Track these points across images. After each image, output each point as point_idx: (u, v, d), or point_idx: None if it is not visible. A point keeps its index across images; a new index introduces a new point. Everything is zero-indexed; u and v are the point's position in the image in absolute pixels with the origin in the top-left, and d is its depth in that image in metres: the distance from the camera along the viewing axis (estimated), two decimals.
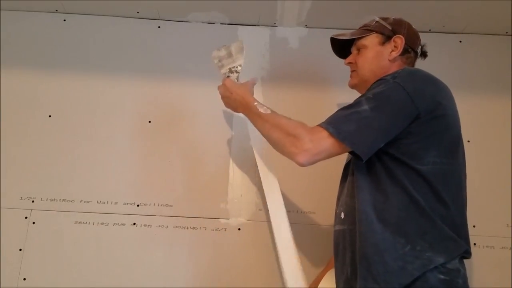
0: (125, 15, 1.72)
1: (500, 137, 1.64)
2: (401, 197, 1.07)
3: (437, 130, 1.10)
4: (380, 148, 1.10)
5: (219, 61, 1.42)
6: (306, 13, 1.66)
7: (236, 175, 1.58)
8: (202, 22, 1.73)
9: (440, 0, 1.56)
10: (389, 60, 1.28)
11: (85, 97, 1.64)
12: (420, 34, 1.72)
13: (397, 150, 1.10)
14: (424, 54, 1.35)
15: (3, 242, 1.49)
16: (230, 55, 1.41)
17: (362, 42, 1.32)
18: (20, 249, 1.49)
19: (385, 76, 1.16)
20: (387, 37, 1.29)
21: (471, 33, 1.74)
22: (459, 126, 1.17)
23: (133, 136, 1.61)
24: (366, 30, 1.33)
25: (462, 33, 1.74)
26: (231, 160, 1.59)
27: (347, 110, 1.11)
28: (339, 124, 1.09)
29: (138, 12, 1.70)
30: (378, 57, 1.29)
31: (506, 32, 1.73)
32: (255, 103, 1.25)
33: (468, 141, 1.62)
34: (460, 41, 1.74)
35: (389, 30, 1.30)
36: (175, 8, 1.67)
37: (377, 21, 1.32)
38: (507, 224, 1.55)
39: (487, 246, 1.54)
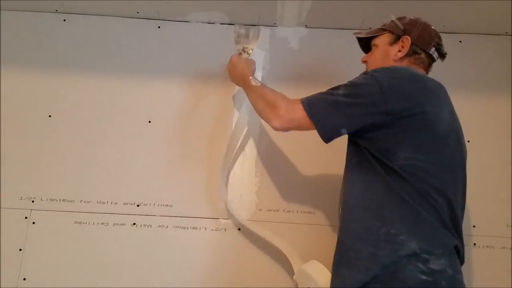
0: (125, 15, 1.72)
1: (500, 137, 1.64)
2: (382, 186, 1.11)
3: (411, 128, 1.11)
4: (361, 144, 1.17)
5: (237, 36, 1.57)
6: (306, 13, 1.66)
7: (236, 175, 1.58)
8: (202, 22, 1.73)
9: (440, 0, 1.56)
10: (394, 61, 1.28)
11: (85, 97, 1.64)
12: None
13: (372, 147, 1.14)
14: (442, 56, 1.32)
15: (3, 242, 1.49)
16: (247, 36, 1.56)
17: (375, 41, 1.34)
18: (20, 249, 1.49)
19: (372, 69, 1.20)
20: (397, 37, 1.29)
21: (471, 33, 1.74)
22: (448, 125, 1.15)
23: (133, 136, 1.61)
24: (381, 29, 1.33)
25: (462, 33, 1.74)
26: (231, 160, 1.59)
27: (326, 91, 1.20)
28: (313, 101, 1.18)
29: (138, 12, 1.70)
30: (385, 57, 1.30)
31: (506, 32, 1.73)
32: (250, 77, 1.37)
33: (468, 141, 1.62)
34: (460, 41, 1.74)
35: (400, 30, 1.29)
36: (175, 8, 1.67)
37: (392, 21, 1.32)
38: (507, 224, 1.55)
39: (487, 246, 1.54)
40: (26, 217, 1.52)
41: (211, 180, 1.57)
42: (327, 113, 1.16)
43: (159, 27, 1.73)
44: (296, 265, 1.38)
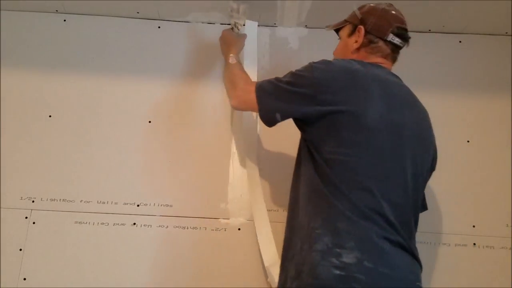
0: (125, 15, 1.72)
1: (500, 137, 1.64)
2: (310, 180, 1.13)
3: (335, 121, 1.11)
4: (303, 137, 1.21)
5: (231, 11, 1.57)
6: (306, 13, 1.66)
7: (236, 175, 1.58)
8: (202, 22, 1.73)
9: (440, 0, 1.56)
10: (352, 52, 1.27)
11: (85, 97, 1.64)
12: (420, 34, 1.74)
13: (308, 140, 1.17)
14: (405, 39, 1.27)
15: (3, 242, 1.49)
16: (238, 11, 1.56)
17: (340, 34, 1.35)
18: (20, 249, 1.49)
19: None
20: (354, 28, 1.28)
21: (471, 33, 1.74)
22: (381, 119, 1.11)
23: (133, 136, 1.61)
24: (344, 20, 1.33)
25: (462, 33, 1.74)
26: (231, 160, 1.59)
27: (276, 77, 1.23)
28: (262, 85, 1.23)
29: (138, 12, 1.70)
30: (344, 49, 1.31)
31: (506, 32, 1.73)
32: (230, 55, 1.46)
33: (468, 141, 1.64)
34: (460, 41, 1.74)
35: (358, 20, 1.28)
36: (175, 8, 1.67)
37: (354, 11, 1.31)
38: (507, 224, 1.55)
39: (487, 246, 1.54)
40: (26, 217, 1.52)
41: (211, 180, 1.57)
42: (268, 97, 1.21)
43: (159, 27, 1.73)
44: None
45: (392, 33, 1.24)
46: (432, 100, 1.66)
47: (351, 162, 1.09)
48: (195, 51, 1.70)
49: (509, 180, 1.59)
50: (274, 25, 1.73)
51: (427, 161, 1.22)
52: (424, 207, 1.33)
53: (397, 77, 1.26)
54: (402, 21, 1.26)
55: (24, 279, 1.47)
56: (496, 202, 1.58)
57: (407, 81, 1.61)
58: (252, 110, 1.28)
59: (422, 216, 1.55)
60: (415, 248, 1.15)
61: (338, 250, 1.01)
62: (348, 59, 1.22)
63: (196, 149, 1.60)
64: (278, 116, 1.20)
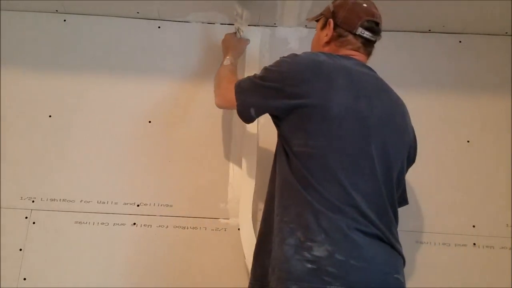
0: (125, 15, 1.72)
1: (500, 137, 1.64)
2: (282, 174, 1.13)
3: (302, 114, 1.11)
4: (278, 132, 1.20)
5: (236, 15, 1.57)
6: (306, 13, 1.66)
7: (236, 175, 1.58)
8: (202, 22, 1.73)
9: (440, 0, 1.56)
10: (323, 46, 1.27)
11: (85, 97, 1.64)
12: (420, 34, 1.74)
13: (281, 135, 1.18)
14: (375, 33, 1.24)
15: (3, 242, 1.49)
16: (241, 17, 1.56)
17: (316, 27, 1.34)
18: (20, 249, 1.49)
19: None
20: (326, 21, 1.28)
21: (471, 33, 1.74)
22: (346, 110, 1.10)
23: (133, 136, 1.61)
24: (320, 14, 1.32)
25: (462, 33, 1.74)
26: (231, 160, 1.59)
27: (253, 74, 1.24)
28: (241, 82, 1.25)
29: (138, 12, 1.70)
30: (317, 42, 1.31)
31: (506, 32, 1.73)
32: (227, 57, 1.48)
33: (468, 141, 1.64)
34: (460, 41, 1.74)
35: (330, 13, 1.27)
36: (175, 8, 1.67)
37: (329, 4, 1.30)
38: (507, 224, 1.55)
39: (487, 246, 1.54)
40: (26, 217, 1.52)
41: (211, 180, 1.57)
42: (244, 93, 1.22)
43: (159, 27, 1.73)
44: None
45: (362, 26, 1.22)
46: (432, 100, 1.67)
47: (319, 154, 1.08)
48: (195, 51, 1.70)
49: (509, 180, 1.59)
50: (274, 25, 1.73)
51: (401, 150, 1.19)
52: (404, 200, 1.32)
53: (369, 68, 1.24)
54: (373, 14, 1.23)
55: (24, 279, 1.47)
56: (496, 202, 1.57)
57: (407, 81, 1.62)
58: (233, 107, 1.26)
59: (422, 216, 1.56)
60: (396, 240, 1.12)
61: (309, 243, 1.01)
62: (315, 52, 1.23)
63: (196, 149, 1.60)
64: (252, 111, 1.21)
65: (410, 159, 1.27)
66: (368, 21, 1.22)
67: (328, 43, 1.26)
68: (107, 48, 1.69)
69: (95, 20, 1.72)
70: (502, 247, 1.53)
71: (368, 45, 1.25)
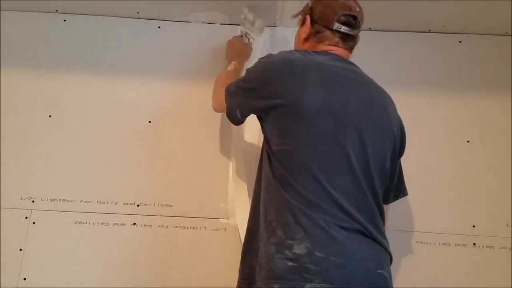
0: (125, 15, 1.72)
1: (500, 137, 1.64)
2: (265, 174, 1.15)
3: (277, 113, 1.13)
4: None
5: (244, 19, 1.57)
6: None
7: (236, 175, 1.58)
8: (202, 22, 1.73)
9: (440, 0, 1.56)
10: (302, 43, 1.28)
11: (85, 97, 1.64)
12: (420, 34, 1.74)
13: (264, 135, 1.20)
14: (351, 26, 1.22)
15: (3, 242, 1.49)
16: (252, 24, 1.56)
17: (298, 24, 1.35)
18: (20, 249, 1.49)
19: None
20: (304, 17, 1.29)
21: (471, 33, 1.74)
22: (319, 106, 1.10)
23: (133, 136, 1.61)
24: (301, 10, 1.33)
25: (462, 33, 1.74)
26: (231, 160, 1.59)
27: (241, 76, 1.26)
28: (229, 86, 1.26)
29: (138, 12, 1.70)
30: (297, 40, 1.33)
31: (506, 32, 1.73)
32: (233, 62, 1.50)
33: (468, 141, 1.64)
34: (460, 41, 1.74)
35: (308, 9, 1.28)
36: (175, 8, 1.67)
37: (308, 1, 1.31)
38: (507, 224, 1.55)
39: (486, 246, 1.54)
40: (26, 217, 1.52)
41: (211, 180, 1.57)
42: (231, 96, 1.24)
43: (159, 27, 1.73)
44: None
45: (338, 21, 1.21)
46: (432, 100, 1.67)
47: (295, 151, 1.09)
48: (195, 51, 1.70)
49: (509, 180, 1.59)
50: (274, 25, 1.73)
51: (381, 142, 1.16)
52: (401, 192, 1.32)
53: (348, 62, 1.23)
54: (350, 8, 1.22)
55: (24, 279, 1.47)
56: (496, 202, 1.57)
57: (407, 81, 1.62)
58: (225, 111, 1.28)
59: (422, 216, 1.56)
60: (381, 234, 1.11)
61: (289, 241, 1.02)
62: (291, 50, 1.24)
63: (196, 149, 1.60)
64: (238, 113, 1.23)
65: (396, 150, 1.24)
66: (344, 15, 1.21)
67: (306, 39, 1.27)
68: (107, 48, 1.69)
69: (95, 20, 1.72)
70: (502, 247, 1.53)
71: (347, 40, 1.24)
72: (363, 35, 1.74)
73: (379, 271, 1.05)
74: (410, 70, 1.70)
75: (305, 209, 1.03)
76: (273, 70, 1.16)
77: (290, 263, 0.99)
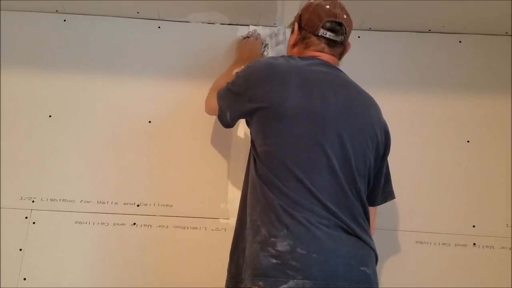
0: (125, 15, 1.72)
1: (500, 137, 1.64)
2: (251, 175, 1.18)
3: (260, 115, 1.16)
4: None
5: (274, 34, 1.67)
6: None
7: (236, 175, 1.58)
8: (202, 22, 1.73)
9: (440, 0, 1.56)
10: (291, 48, 1.32)
11: (85, 97, 1.64)
12: (420, 34, 1.74)
13: (251, 138, 1.23)
14: (335, 32, 1.25)
15: (3, 242, 1.49)
16: (277, 44, 1.66)
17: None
18: (20, 249, 1.49)
19: None
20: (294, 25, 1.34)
21: (471, 33, 1.74)
22: (298, 107, 1.13)
23: (133, 136, 1.61)
24: (294, 18, 1.36)
25: (462, 33, 1.74)
26: (231, 160, 1.59)
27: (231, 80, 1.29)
28: (220, 90, 1.29)
29: (138, 12, 1.70)
30: (289, 46, 1.36)
31: (506, 32, 1.73)
32: (236, 70, 1.44)
33: (468, 141, 1.64)
34: (460, 41, 1.74)
35: (298, 16, 1.33)
36: (175, 8, 1.67)
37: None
38: (507, 224, 1.55)
39: (486, 246, 1.54)
40: (26, 217, 1.52)
41: (211, 180, 1.57)
42: (221, 100, 1.28)
43: (159, 27, 1.73)
44: None
45: (323, 28, 1.25)
46: (432, 100, 1.67)
47: (276, 151, 1.12)
48: (195, 51, 1.70)
49: (509, 180, 1.59)
50: (274, 25, 1.73)
51: (362, 144, 1.18)
52: (389, 195, 1.34)
53: (333, 67, 1.25)
54: (335, 15, 1.25)
55: (24, 279, 1.47)
56: (496, 202, 1.58)
57: (407, 81, 1.62)
58: (216, 114, 1.32)
59: (422, 216, 1.57)
60: (364, 231, 1.13)
61: (273, 239, 1.04)
62: (276, 56, 1.30)
63: (196, 149, 1.60)
64: (228, 116, 1.27)
65: (380, 152, 1.25)
66: (329, 21, 1.25)
67: (294, 45, 1.32)
68: (107, 48, 1.69)
69: (95, 20, 1.72)
70: (502, 247, 1.54)
71: (333, 46, 1.27)
72: (363, 35, 1.75)
73: (361, 268, 1.07)
74: (410, 70, 1.70)
75: (288, 208, 1.06)
76: (257, 74, 1.20)
77: (273, 260, 1.02)
